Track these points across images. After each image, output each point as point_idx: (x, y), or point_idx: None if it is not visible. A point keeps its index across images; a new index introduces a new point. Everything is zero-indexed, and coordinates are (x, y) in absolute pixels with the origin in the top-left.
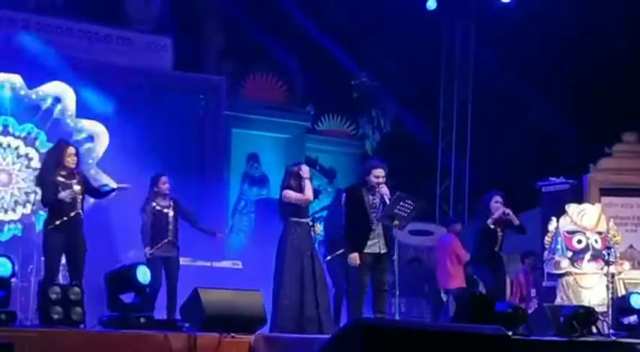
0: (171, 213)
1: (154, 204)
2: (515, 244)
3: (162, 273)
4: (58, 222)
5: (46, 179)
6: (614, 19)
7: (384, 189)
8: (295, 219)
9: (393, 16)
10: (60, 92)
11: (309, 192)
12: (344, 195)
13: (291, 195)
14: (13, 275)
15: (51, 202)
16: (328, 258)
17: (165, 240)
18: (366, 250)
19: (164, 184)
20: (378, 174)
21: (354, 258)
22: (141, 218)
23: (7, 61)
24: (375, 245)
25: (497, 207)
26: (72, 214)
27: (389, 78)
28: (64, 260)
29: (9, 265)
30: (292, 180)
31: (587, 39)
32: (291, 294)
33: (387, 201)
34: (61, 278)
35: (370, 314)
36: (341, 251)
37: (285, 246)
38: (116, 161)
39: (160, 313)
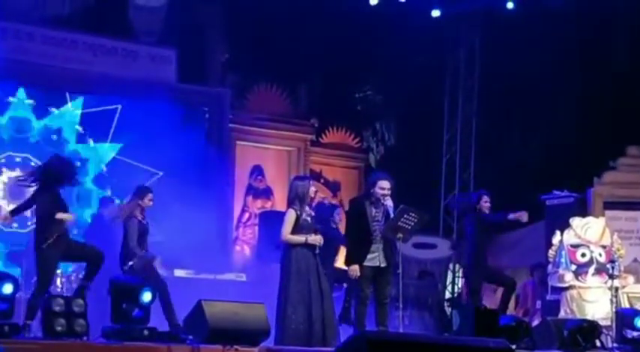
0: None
1: (139, 216)
2: (520, 258)
3: None
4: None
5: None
6: (619, 31)
7: (389, 202)
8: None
9: (397, 28)
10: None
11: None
12: (347, 206)
13: (286, 230)
14: (17, 290)
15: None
16: None
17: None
18: (366, 263)
19: (150, 201)
20: (384, 186)
21: (354, 269)
22: (125, 228)
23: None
24: (375, 258)
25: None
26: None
27: (393, 90)
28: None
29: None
30: (297, 197)
31: (591, 52)
32: (297, 309)
33: (391, 214)
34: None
35: (371, 326)
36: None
37: (290, 262)
38: (119, 174)
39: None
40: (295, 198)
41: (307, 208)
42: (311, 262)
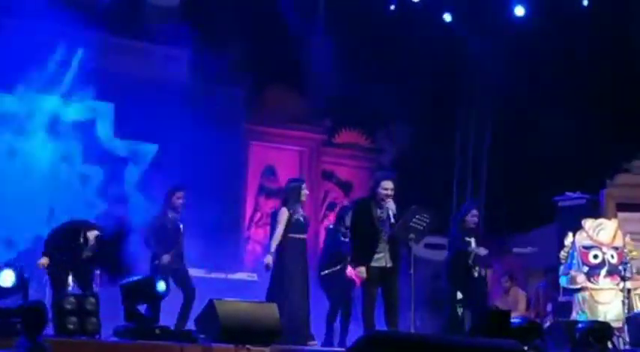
0: (181, 226)
1: (169, 214)
2: (532, 260)
3: (171, 284)
4: None
5: None
6: (633, 32)
7: (391, 204)
8: (293, 235)
9: (412, 31)
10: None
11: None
12: (353, 207)
13: (279, 229)
14: (20, 286)
15: None
16: (325, 272)
17: (173, 251)
18: (373, 263)
19: (178, 199)
20: (387, 186)
21: (362, 271)
22: (148, 226)
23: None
24: (382, 258)
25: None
26: None
27: (407, 91)
28: None
29: (14, 276)
30: (290, 197)
31: (605, 53)
32: (297, 306)
33: (392, 217)
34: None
35: (382, 327)
36: (338, 267)
37: (288, 260)
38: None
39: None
40: (289, 199)
41: (300, 209)
42: (304, 261)
